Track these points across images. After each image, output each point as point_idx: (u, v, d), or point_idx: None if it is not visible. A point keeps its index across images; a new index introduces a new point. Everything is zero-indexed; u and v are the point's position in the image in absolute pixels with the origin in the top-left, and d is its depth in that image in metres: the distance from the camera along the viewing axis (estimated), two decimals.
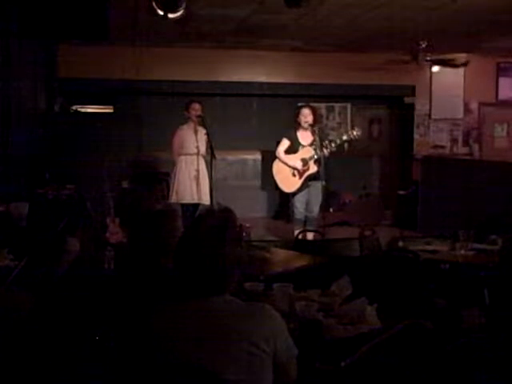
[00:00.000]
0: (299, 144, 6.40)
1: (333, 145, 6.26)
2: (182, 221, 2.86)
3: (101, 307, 2.44)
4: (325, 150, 6.21)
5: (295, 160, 6.38)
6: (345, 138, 6.36)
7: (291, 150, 6.43)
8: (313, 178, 6.36)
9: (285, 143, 6.47)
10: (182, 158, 6.62)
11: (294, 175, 6.42)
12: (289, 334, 1.90)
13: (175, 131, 6.68)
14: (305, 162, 6.34)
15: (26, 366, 2.28)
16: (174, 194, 6.65)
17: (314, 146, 6.28)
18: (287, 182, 6.46)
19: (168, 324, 1.82)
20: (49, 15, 4.43)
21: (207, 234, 1.84)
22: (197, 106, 6.59)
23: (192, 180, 6.56)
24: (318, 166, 6.26)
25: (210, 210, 2.01)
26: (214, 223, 1.87)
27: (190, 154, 6.57)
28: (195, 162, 6.57)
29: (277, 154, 6.51)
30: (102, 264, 3.36)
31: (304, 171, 6.36)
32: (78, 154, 7.83)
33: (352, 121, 9.69)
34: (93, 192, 6.09)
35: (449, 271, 3.93)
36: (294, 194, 6.47)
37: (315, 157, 6.26)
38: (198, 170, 6.57)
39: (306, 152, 6.34)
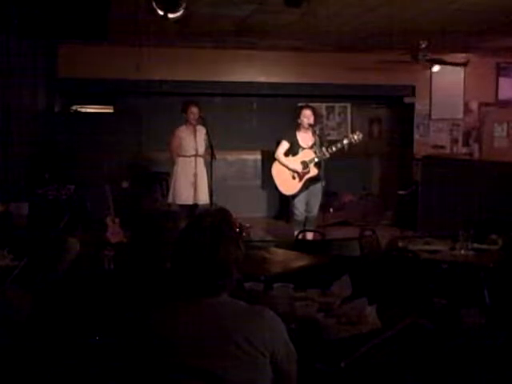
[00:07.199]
0: (299, 146, 6.33)
1: (334, 148, 6.20)
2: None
3: (101, 307, 2.44)
4: (325, 153, 6.17)
5: (295, 163, 6.32)
6: (346, 141, 6.30)
7: (291, 152, 6.37)
8: (313, 179, 6.33)
9: (284, 145, 6.38)
10: (180, 159, 6.55)
11: (293, 178, 6.35)
12: (289, 335, 1.89)
13: (173, 132, 6.59)
14: (305, 164, 6.28)
15: (25, 366, 2.28)
16: (171, 194, 6.60)
17: (314, 149, 6.24)
18: (287, 184, 6.40)
19: (166, 324, 1.82)
20: (49, 15, 4.43)
21: (204, 234, 1.84)
22: (195, 109, 6.42)
23: (189, 182, 6.47)
24: (319, 168, 6.21)
25: (206, 210, 2.02)
26: (210, 223, 1.87)
27: (188, 156, 6.50)
28: (193, 164, 6.47)
29: (276, 157, 6.42)
30: (101, 264, 3.36)
31: (304, 174, 6.31)
32: (78, 154, 7.84)
33: (352, 121, 9.68)
34: (93, 192, 6.10)
35: (449, 271, 3.93)
36: (293, 196, 6.43)
37: (316, 160, 6.20)
38: (195, 173, 6.46)
39: (307, 155, 6.29)
